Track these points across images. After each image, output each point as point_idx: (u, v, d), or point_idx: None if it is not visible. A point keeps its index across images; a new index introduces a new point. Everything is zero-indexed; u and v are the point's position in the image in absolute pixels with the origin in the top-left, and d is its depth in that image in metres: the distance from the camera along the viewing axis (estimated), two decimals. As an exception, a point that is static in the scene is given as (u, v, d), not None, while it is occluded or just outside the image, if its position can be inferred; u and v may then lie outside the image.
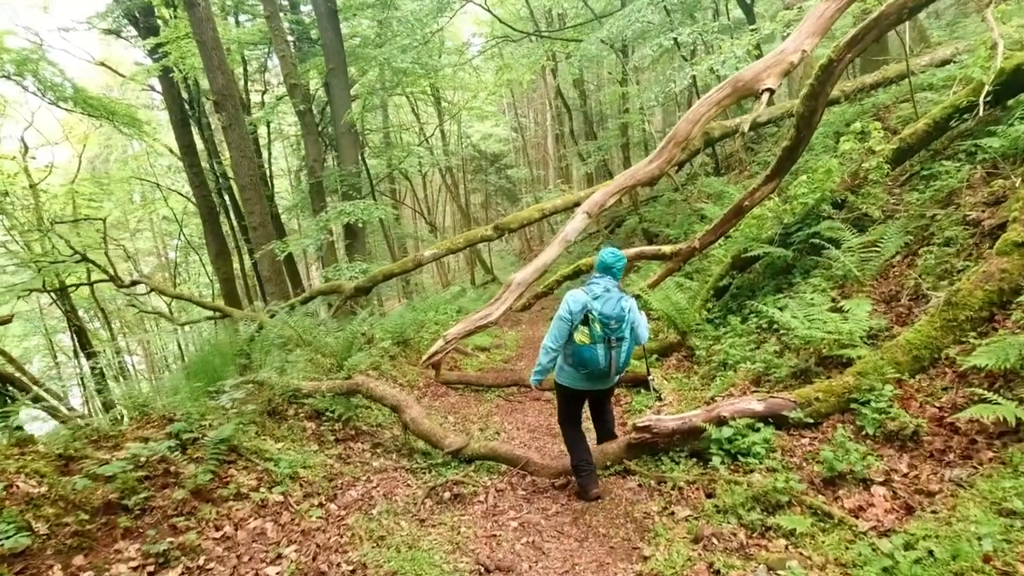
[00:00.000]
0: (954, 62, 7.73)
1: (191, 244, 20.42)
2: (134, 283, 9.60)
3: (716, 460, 3.97)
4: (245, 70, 16.68)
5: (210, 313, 12.11)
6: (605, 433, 4.53)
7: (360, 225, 13.35)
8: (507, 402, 7.05)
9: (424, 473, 4.66)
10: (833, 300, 5.10)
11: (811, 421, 4.00)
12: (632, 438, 4.32)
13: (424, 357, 4.34)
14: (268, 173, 18.34)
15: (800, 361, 4.79)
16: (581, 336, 3.74)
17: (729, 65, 7.80)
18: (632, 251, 6.99)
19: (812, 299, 5.13)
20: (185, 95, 16.31)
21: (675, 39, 8.95)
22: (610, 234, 18.86)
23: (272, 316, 9.48)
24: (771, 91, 4.32)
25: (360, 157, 14.39)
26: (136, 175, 19.73)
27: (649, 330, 4.31)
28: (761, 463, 3.81)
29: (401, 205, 27.15)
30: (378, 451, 5.13)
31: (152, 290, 9.60)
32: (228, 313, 8.83)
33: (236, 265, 17.81)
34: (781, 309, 4.89)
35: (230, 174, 18.46)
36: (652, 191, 20.21)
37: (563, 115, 22.20)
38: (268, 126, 17.53)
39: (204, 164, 16.94)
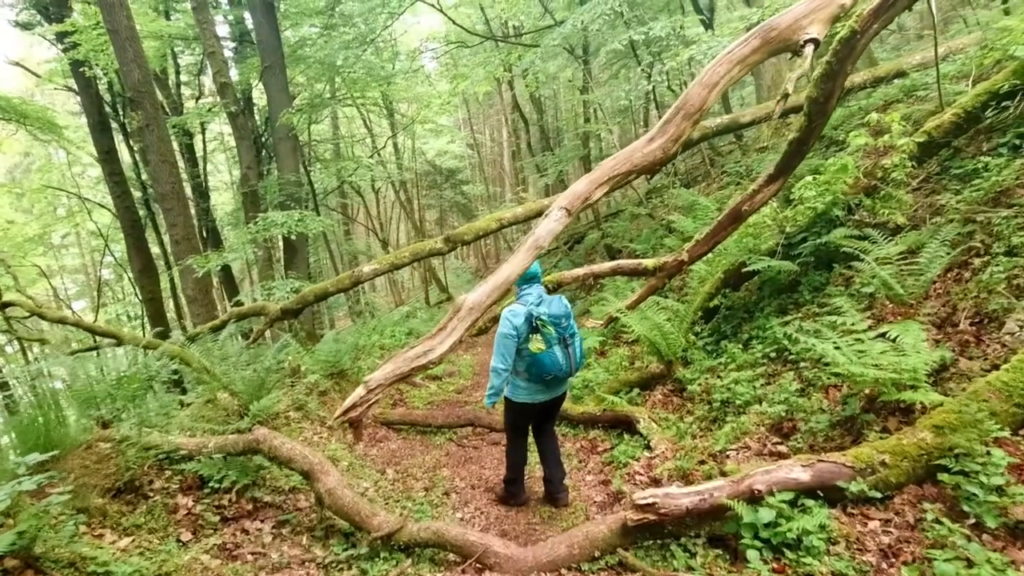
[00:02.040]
0: (951, 59, 6.89)
1: (119, 261, 18.36)
2: (5, 305, 7.88)
3: (752, 555, 2.74)
4: (177, 69, 14.99)
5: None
6: (549, 451, 4.21)
7: (301, 239, 11.88)
8: (459, 448, 5.70)
9: (342, 571, 3.27)
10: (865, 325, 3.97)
11: (878, 495, 2.81)
12: (630, 519, 3.05)
13: (337, 412, 2.95)
14: (204, 184, 16.60)
15: (838, 406, 3.63)
16: (536, 345, 3.59)
17: (709, 56, 6.74)
18: (607, 265, 5.81)
19: (840, 322, 4.00)
20: (108, 97, 14.54)
21: (645, 34, 7.89)
22: (569, 251, 17.75)
23: (191, 342, 7.93)
24: (815, 43, 3.19)
25: (303, 166, 12.89)
26: (53, 186, 17.65)
27: (584, 351, 4.45)
28: (820, 561, 2.59)
29: (353, 221, 25.55)
30: (284, 533, 3.70)
31: (32, 313, 7.91)
32: (120, 339, 7.24)
33: (167, 283, 15.98)
34: (815, 336, 3.73)
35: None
36: (614, 202, 19.28)
37: (520, 130, 21.17)
38: (204, 132, 15.82)
39: (131, 173, 15.17)
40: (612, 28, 10.61)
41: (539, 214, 7.31)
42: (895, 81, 7.42)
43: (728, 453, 3.86)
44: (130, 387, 4.14)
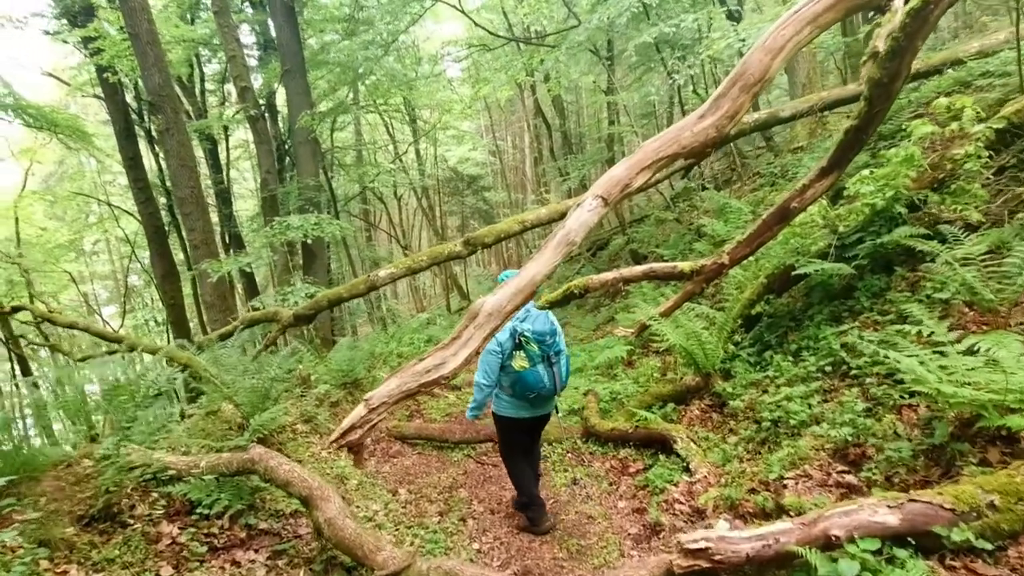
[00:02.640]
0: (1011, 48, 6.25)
1: (145, 268, 18.30)
2: (15, 309, 7.63)
3: (832, 618, 2.21)
4: (201, 76, 14.86)
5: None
6: (531, 468, 4.06)
7: (320, 244, 11.55)
8: (478, 465, 5.22)
9: (339, 615, 2.80)
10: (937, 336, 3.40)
11: (988, 546, 2.26)
12: (677, 566, 2.53)
13: (334, 434, 2.49)
14: (228, 190, 16.44)
15: (915, 430, 3.08)
16: (520, 362, 3.35)
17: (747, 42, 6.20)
18: (638, 269, 5.29)
19: (909, 331, 3.43)
20: (134, 103, 14.47)
21: (675, 27, 7.37)
22: (592, 257, 17.20)
23: (201, 350, 7.60)
24: (904, -4, 2.68)
25: (322, 171, 12.60)
26: (83, 192, 17.67)
27: (570, 369, 4.15)
28: (921, 632, 2.05)
29: (376, 228, 25.32)
30: (280, 564, 3.25)
31: (42, 319, 7.65)
32: (133, 345, 6.92)
33: (193, 290, 15.83)
34: (888, 348, 3.17)
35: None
36: (638, 208, 18.70)
37: (542, 136, 20.73)
38: (227, 139, 15.66)
39: (156, 180, 15.09)
40: (637, 25, 10.11)
41: (564, 216, 6.83)
42: (948, 71, 6.79)
43: (785, 482, 3.31)
44: (120, 398, 3.74)
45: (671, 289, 8.77)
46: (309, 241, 8.79)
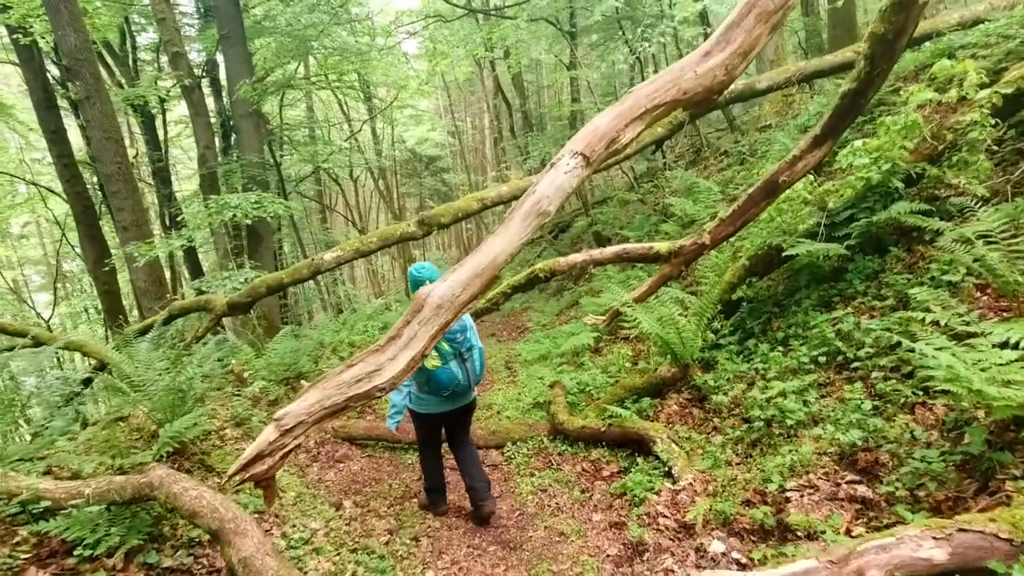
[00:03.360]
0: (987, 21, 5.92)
1: (78, 252, 16.90)
2: None
3: None
4: (133, 43, 13.60)
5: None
6: (467, 460, 3.82)
7: (265, 226, 10.68)
8: (435, 470, 4.63)
9: None
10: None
11: (1055, 586, 1.81)
12: (677, 617, 2.01)
13: (235, 465, 1.86)
14: (167, 169, 15.21)
15: (935, 432, 2.64)
16: (432, 361, 3.38)
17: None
18: (610, 251, 4.76)
19: (911, 317, 3.00)
20: (57, 71, 13.14)
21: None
22: (554, 240, 16.70)
23: (123, 345, 6.78)
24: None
25: (268, 147, 11.65)
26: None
27: (484, 363, 3.85)
28: None
29: (332, 211, 24.21)
30: (187, 613, 2.62)
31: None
32: (38, 339, 6.04)
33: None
34: (906, 337, 2.71)
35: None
36: (598, 192, 18.24)
37: (502, 115, 20.04)
38: (164, 113, 14.44)
39: (85, 156, 13.80)
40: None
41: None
42: (925, 45, 6.45)
43: (787, 494, 2.84)
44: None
45: (638, 271, 8.32)
46: (249, 221, 7.96)
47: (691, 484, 3.33)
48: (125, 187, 9.41)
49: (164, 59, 15.88)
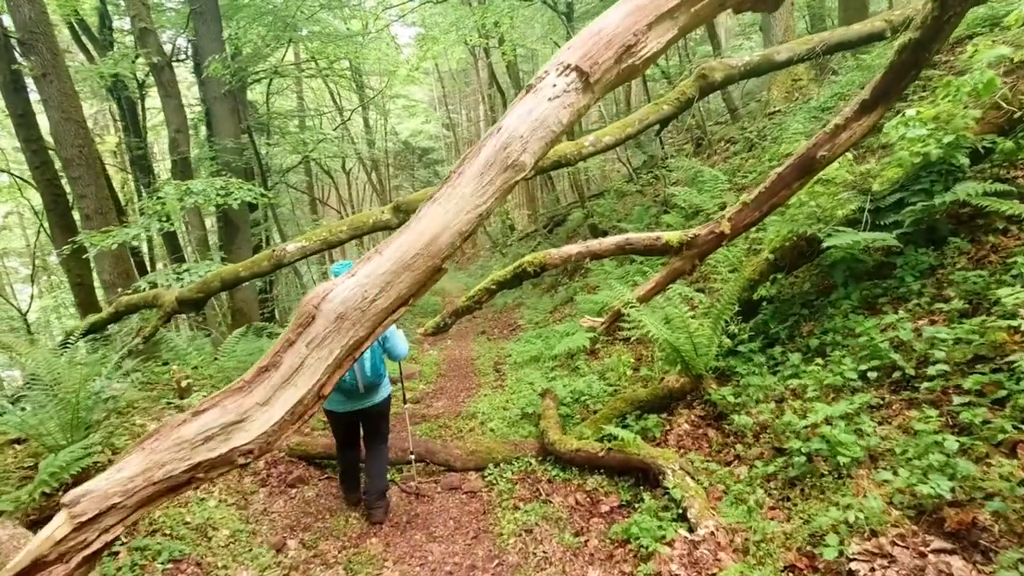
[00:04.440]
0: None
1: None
2: None
3: None
4: (109, 24, 12.73)
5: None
6: (371, 463, 3.65)
7: (242, 216, 9.88)
8: (403, 496, 3.86)
9: None
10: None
11: None
12: None
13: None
14: (146, 157, 14.34)
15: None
16: None
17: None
18: (612, 240, 3.98)
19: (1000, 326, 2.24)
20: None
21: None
22: (549, 233, 15.91)
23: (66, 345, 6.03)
24: None
25: (249, 133, 10.81)
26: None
27: (407, 346, 3.70)
28: None
29: (324, 204, 23.36)
30: None
31: None
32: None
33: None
34: (1002, 355, 1.97)
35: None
36: (594, 185, 17.43)
37: (497, 106, 19.20)
38: (143, 99, 13.58)
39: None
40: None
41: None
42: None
43: (852, 565, 2.09)
44: None
45: (639, 266, 7.56)
46: (214, 209, 7.16)
47: (712, 535, 2.58)
48: (87, 172, 8.64)
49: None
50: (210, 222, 14.16)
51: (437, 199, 1.23)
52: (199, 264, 6.36)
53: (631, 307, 3.92)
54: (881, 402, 2.77)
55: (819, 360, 3.19)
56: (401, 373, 4.67)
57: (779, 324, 3.83)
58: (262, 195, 6.97)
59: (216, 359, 5.08)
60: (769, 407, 3.16)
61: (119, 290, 8.20)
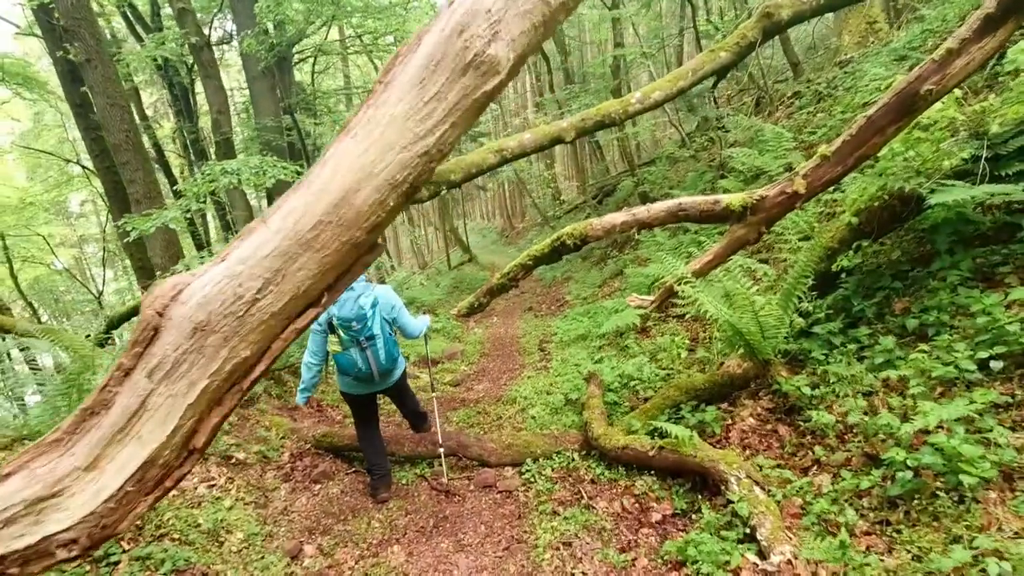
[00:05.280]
0: None
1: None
2: None
3: None
4: (156, 10, 12.76)
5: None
6: (412, 418, 3.78)
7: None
8: (431, 495, 3.48)
9: None
10: None
11: None
12: None
13: None
14: (199, 141, 14.45)
15: None
16: (333, 346, 3.22)
17: None
18: (662, 206, 3.37)
19: None
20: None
21: None
22: (598, 204, 15.19)
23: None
24: None
25: (289, 113, 10.58)
26: (37, 148, 15.83)
27: (428, 323, 3.60)
28: None
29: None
30: None
31: None
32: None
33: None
34: None
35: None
36: (644, 154, 16.51)
37: (542, 74, 18.41)
38: (192, 83, 13.61)
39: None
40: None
41: (555, 141, 4.92)
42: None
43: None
44: None
45: (693, 236, 6.88)
46: (250, 189, 6.93)
47: (790, 564, 2.05)
48: (134, 157, 8.60)
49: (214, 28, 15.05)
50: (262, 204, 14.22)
51: (352, 129, 0.76)
52: (201, 252, 6.13)
53: (686, 283, 3.35)
54: (1011, 400, 2.15)
55: (922, 346, 2.56)
56: (428, 360, 4.31)
57: (864, 300, 3.18)
58: (297, 173, 6.65)
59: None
60: (857, 403, 2.56)
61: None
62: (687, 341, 4.52)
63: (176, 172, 16.28)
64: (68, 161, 14.87)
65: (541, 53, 17.21)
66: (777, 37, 9.91)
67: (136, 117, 14.65)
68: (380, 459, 3.48)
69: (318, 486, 3.62)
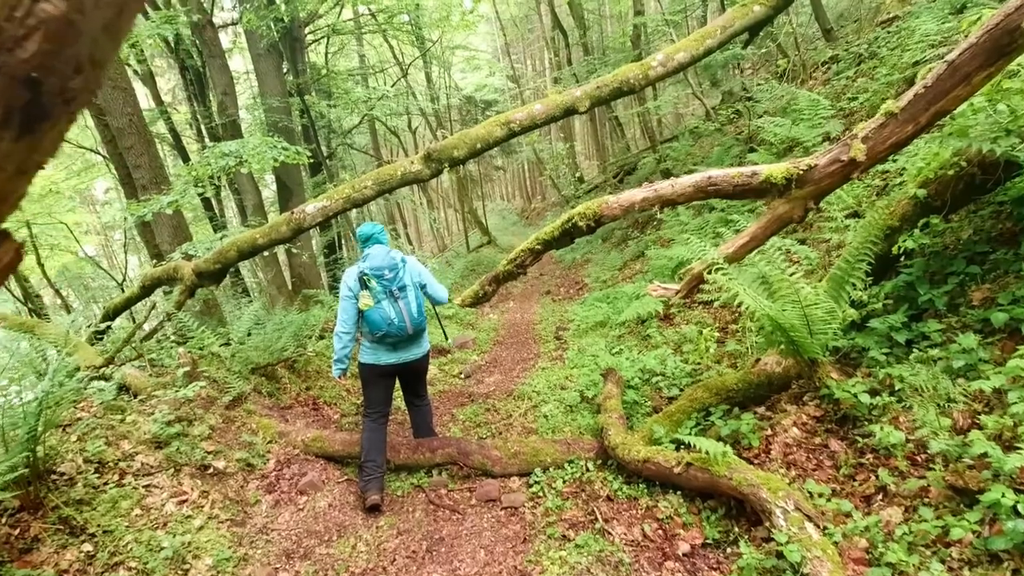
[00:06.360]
0: None
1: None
2: None
3: None
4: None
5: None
6: (418, 423, 3.60)
7: (295, 177, 9.38)
8: (427, 509, 3.07)
9: None
10: None
11: None
12: None
13: None
14: (212, 125, 14.15)
15: None
16: (365, 301, 3.12)
17: None
18: (688, 180, 2.83)
19: None
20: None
21: None
22: (619, 184, 14.54)
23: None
24: None
25: (297, 92, 10.15)
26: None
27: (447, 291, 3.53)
28: None
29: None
30: None
31: None
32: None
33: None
34: None
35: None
36: (666, 131, 15.73)
37: (560, 49, 17.64)
38: (205, 67, 13.23)
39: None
40: None
41: (568, 111, 4.39)
42: None
43: None
44: None
45: (719, 213, 6.29)
46: (245, 171, 6.54)
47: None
48: (139, 142, 8.24)
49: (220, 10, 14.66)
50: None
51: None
52: (234, 230, 5.76)
53: (718, 269, 2.84)
54: None
55: (1021, 348, 2.03)
56: (439, 318, 4.26)
57: (933, 287, 2.64)
58: (297, 153, 6.24)
59: (228, 341, 4.46)
60: (932, 418, 2.05)
61: (191, 259, 7.90)
62: (715, 331, 4.01)
63: (195, 158, 16.04)
64: (82, 148, 14.65)
65: (559, 27, 16.49)
66: (809, 3, 9.14)
67: (152, 102, 14.41)
68: (377, 456, 3.21)
69: (304, 498, 3.23)
